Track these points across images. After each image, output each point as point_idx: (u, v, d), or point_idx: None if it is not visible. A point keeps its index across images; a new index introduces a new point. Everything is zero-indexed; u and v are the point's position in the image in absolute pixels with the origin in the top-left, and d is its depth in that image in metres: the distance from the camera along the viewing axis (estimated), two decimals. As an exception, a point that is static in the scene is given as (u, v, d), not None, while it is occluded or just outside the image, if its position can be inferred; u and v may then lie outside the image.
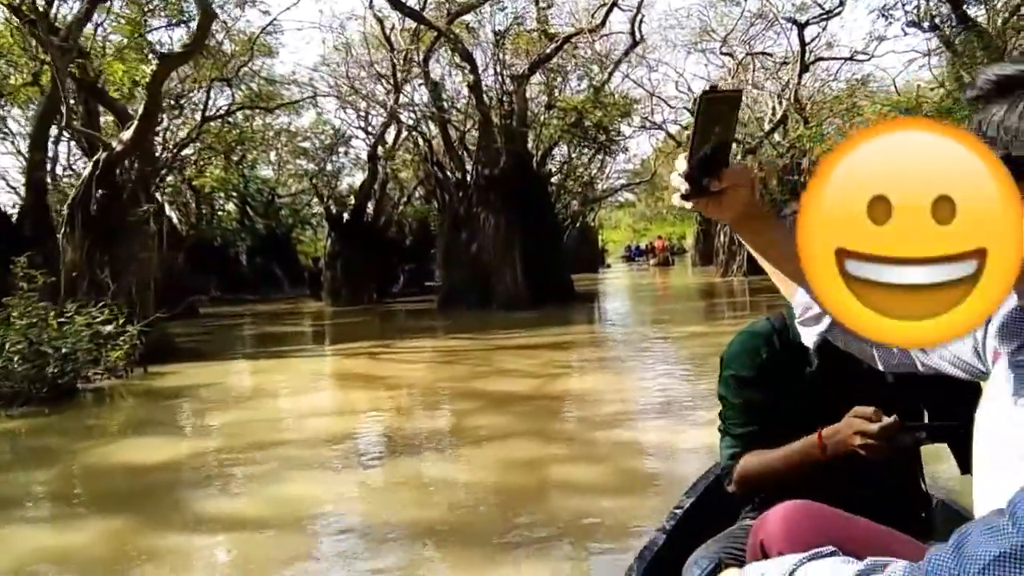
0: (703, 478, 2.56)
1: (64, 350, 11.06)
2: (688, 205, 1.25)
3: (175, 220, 46.68)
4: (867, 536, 1.56)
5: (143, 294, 14.96)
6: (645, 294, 31.07)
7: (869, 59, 28.50)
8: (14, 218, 17.15)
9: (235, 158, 41.77)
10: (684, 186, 1.22)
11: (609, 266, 53.82)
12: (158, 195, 42.08)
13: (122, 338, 13.04)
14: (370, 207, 31.51)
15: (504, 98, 23.44)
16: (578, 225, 46.03)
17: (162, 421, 9.52)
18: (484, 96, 22.81)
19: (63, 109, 14.38)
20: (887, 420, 1.81)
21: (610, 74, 27.92)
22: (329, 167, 34.58)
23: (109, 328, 12.73)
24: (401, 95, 25.54)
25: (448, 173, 25.24)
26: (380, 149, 30.41)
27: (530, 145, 25.72)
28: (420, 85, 25.09)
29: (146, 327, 14.03)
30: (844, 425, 1.87)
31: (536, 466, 6.22)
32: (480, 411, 8.51)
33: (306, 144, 36.57)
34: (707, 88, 1.16)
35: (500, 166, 22.86)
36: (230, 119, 39.13)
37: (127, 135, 14.67)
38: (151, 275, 15.19)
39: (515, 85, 23.27)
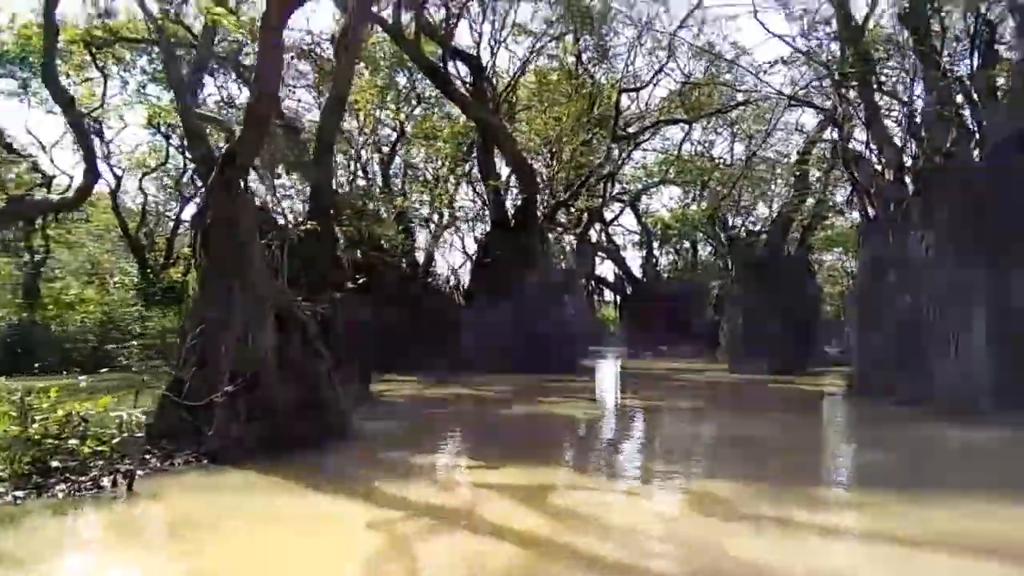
0: None
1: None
2: None
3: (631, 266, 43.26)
4: None
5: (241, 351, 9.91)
6: None
7: None
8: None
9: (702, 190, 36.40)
10: None
11: None
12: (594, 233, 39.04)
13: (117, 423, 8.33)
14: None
15: (979, 26, 13.05)
16: None
17: None
18: (929, 31, 12.90)
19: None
20: None
21: None
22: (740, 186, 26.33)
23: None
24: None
25: (874, 168, 15.37)
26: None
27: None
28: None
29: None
30: None
31: None
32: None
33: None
34: None
35: (950, 150, 12.57)
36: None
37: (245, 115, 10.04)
38: (256, 325, 10.00)
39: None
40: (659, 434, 13.06)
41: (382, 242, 23.38)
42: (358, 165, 29.83)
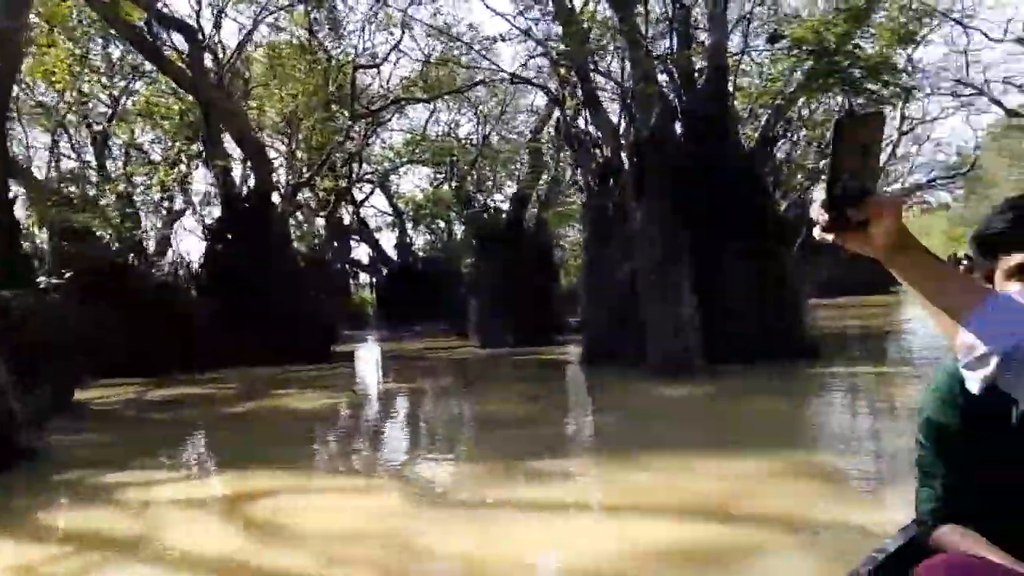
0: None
1: None
2: (829, 238, 1.16)
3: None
4: None
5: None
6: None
7: None
8: None
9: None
10: (824, 217, 1.15)
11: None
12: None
13: None
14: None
15: (675, 14, 13.96)
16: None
17: None
18: (633, 15, 13.58)
19: None
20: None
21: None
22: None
23: None
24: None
25: (592, 149, 16.16)
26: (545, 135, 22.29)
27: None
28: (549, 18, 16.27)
29: None
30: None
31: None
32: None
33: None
34: (844, 112, 1.24)
35: (658, 127, 13.43)
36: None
37: None
38: None
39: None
40: (399, 420, 12.77)
41: (97, 231, 20.82)
42: (64, 146, 26.51)
